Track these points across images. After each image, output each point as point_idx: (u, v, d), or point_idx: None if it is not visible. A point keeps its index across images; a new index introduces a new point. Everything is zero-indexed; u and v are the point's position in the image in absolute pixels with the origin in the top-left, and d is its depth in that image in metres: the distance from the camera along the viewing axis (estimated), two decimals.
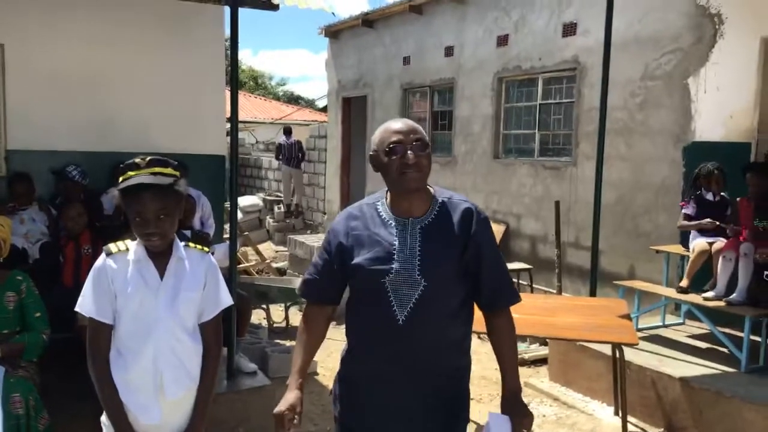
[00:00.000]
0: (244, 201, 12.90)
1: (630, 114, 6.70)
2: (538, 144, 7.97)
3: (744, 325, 4.43)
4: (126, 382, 2.12)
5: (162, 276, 2.14)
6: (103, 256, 2.16)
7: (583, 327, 4.14)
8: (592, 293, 5.45)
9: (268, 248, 11.73)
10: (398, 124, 2.01)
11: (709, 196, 5.27)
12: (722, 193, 5.24)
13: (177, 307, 2.14)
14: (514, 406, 2.01)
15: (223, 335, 2.39)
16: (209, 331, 2.26)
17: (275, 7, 4.83)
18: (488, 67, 8.54)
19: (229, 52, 4.54)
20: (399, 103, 10.43)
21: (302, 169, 13.45)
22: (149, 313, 2.12)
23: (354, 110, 12.02)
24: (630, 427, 4.11)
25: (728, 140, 5.70)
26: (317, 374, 5.52)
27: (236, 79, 4.66)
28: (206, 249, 2.30)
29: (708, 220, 5.04)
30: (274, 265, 9.65)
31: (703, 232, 5.16)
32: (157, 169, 2.12)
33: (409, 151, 1.94)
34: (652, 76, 6.49)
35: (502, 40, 8.33)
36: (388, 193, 2.08)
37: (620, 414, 4.47)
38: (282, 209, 13.35)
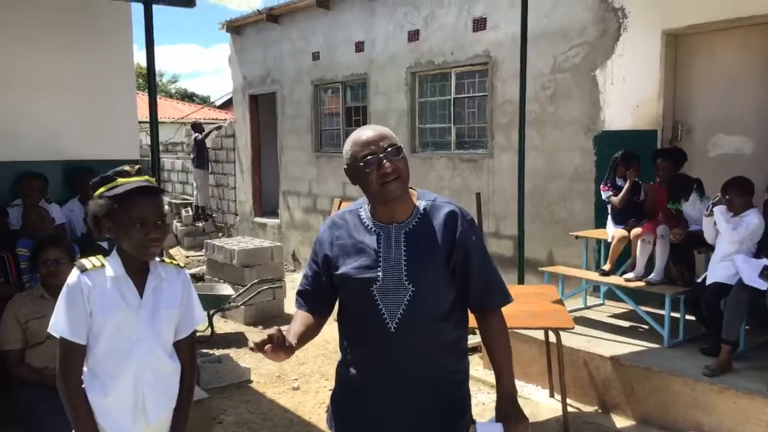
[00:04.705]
0: None
1: (541, 106, 6.94)
2: (454, 137, 8.09)
3: (663, 303, 4.70)
4: (104, 406, 2.02)
5: (141, 294, 2.07)
6: (76, 272, 2.02)
7: (520, 315, 4.24)
8: (520, 281, 5.63)
9: (177, 254, 11.26)
10: (367, 132, 1.97)
11: (621, 182, 5.55)
12: (636, 179, 5.54)
13: (158, 326, 2.09)
14: (509, 409, 1.95)
15: None
16: (185, 349, 2.21)
17: (192, 4, 4.60)
18: (400, 62, 8.59)
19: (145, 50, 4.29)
20: (311, 99, 10.28)
21: (209, 169, 12.92)
22: (130, 332, 2.04)
23: (262, 107, 11.74)
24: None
25: (636, 128, 6.02)
26: (251, 381, 5.35)
27: (154, 78, 4.45)
28: (181, 265, 2.26)
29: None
30: (189, 271, 9.25)
31: (618, 219, 5.42)
32: (147, 177, 2.08)
33: (385, 161, 1.90)
34: (561, 68, 6.75)
35: (413, 36, 8.40)
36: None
37: (556, 396, 4.65)
38: (190, 213, 12.85)
